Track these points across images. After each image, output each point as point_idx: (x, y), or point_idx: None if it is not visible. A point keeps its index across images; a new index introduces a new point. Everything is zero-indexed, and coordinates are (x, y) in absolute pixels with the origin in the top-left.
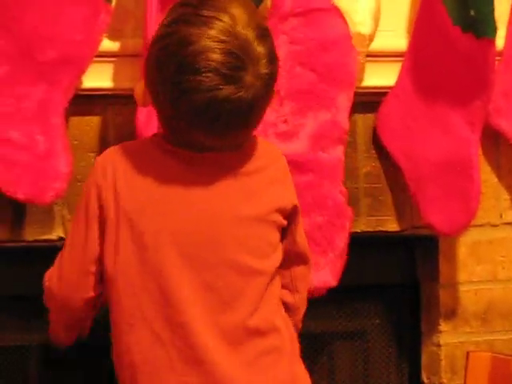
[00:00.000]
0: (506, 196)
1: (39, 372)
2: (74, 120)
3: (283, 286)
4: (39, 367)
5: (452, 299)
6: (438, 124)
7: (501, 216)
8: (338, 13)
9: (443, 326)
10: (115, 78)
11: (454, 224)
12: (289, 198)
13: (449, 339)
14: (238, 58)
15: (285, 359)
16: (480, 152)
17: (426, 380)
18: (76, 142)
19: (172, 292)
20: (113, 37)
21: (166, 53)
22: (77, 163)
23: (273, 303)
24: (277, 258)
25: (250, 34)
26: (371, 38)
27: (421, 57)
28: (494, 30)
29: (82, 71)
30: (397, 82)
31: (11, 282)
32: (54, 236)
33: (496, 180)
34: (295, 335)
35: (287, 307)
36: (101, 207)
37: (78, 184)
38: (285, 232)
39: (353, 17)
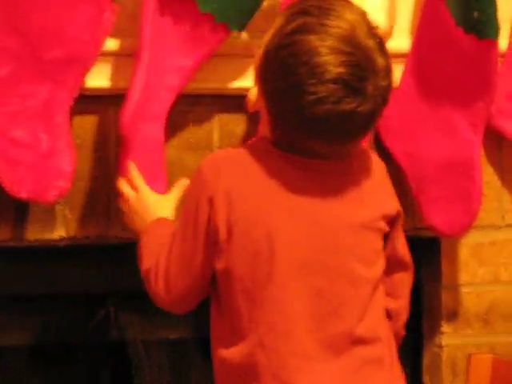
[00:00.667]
0: (509, 198)
1: (37, 372)
2: (77, 119)
3: (385, 293)
4: (38, 367)
5: (454, 301)
6: (441, 125)
7: (503, 218)
8: None
9: (445, 328)
10: (117, 77)
11: (456, 225)
12: (393, 204)
13: (450, 341)
14: (362, 70)
15: (385, 369)
16: (482, 153)
17: (427, 382)
18: (79, 141)
19: (281, 300)
20: (115, 36)
21: (289, 63)
22: (79, 162)
23: (378, 312)
24: (381, 265)
25: (371, 44)
26: (389, 34)
27: (423, 58)
28: (497, 31)
29: (86, 70)
30: (399, 83)
31: (12, 281)
32: (55, 236)
33: (498, 182)
34: (396, 346)
35: (389, 314)
36: (212, 219)
37: (80, 183)
38: (386, 238)
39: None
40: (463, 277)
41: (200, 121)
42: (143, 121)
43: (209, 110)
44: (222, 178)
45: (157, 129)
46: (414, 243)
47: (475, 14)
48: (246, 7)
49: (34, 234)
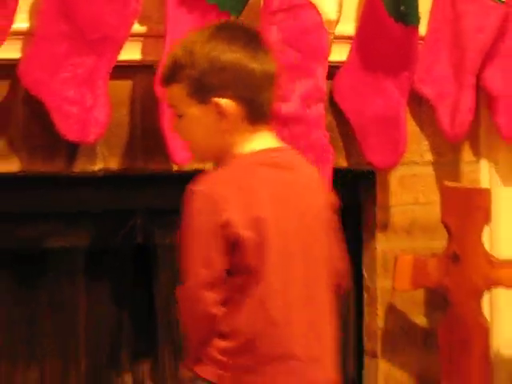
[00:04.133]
0: (426, 142)
1: (80, 271)
2: (113, 83)
3: None
4: (82, 267)
5: (385, 217)
6: (377, 89)
7: (422, 156)
8: (312, 6)
9: (379, 237)
10: (144, 52)
11: (388, 162)
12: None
13: (383, 246)
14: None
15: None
16: (407, 110)
17: (366, 275)
18: (114, 100)
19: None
20: (141, 22)
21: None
22: (114, 114)
23: None
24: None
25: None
26: (337, 21)
27: (365, 39)
28: (418, 19)
29: (120, 47)
30: (348, 58)
31: (68, 202)
32: (96, 168)
33: (418, 130)
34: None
35: None
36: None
37: (115, 128)
38: None
39: (323, 7)
40: (392, 199)
41: None
42: None
43: None
44: (223, 206)
45: None
46: (357, 175)
47: (402, 7)
48: None
49: (80, 166)
